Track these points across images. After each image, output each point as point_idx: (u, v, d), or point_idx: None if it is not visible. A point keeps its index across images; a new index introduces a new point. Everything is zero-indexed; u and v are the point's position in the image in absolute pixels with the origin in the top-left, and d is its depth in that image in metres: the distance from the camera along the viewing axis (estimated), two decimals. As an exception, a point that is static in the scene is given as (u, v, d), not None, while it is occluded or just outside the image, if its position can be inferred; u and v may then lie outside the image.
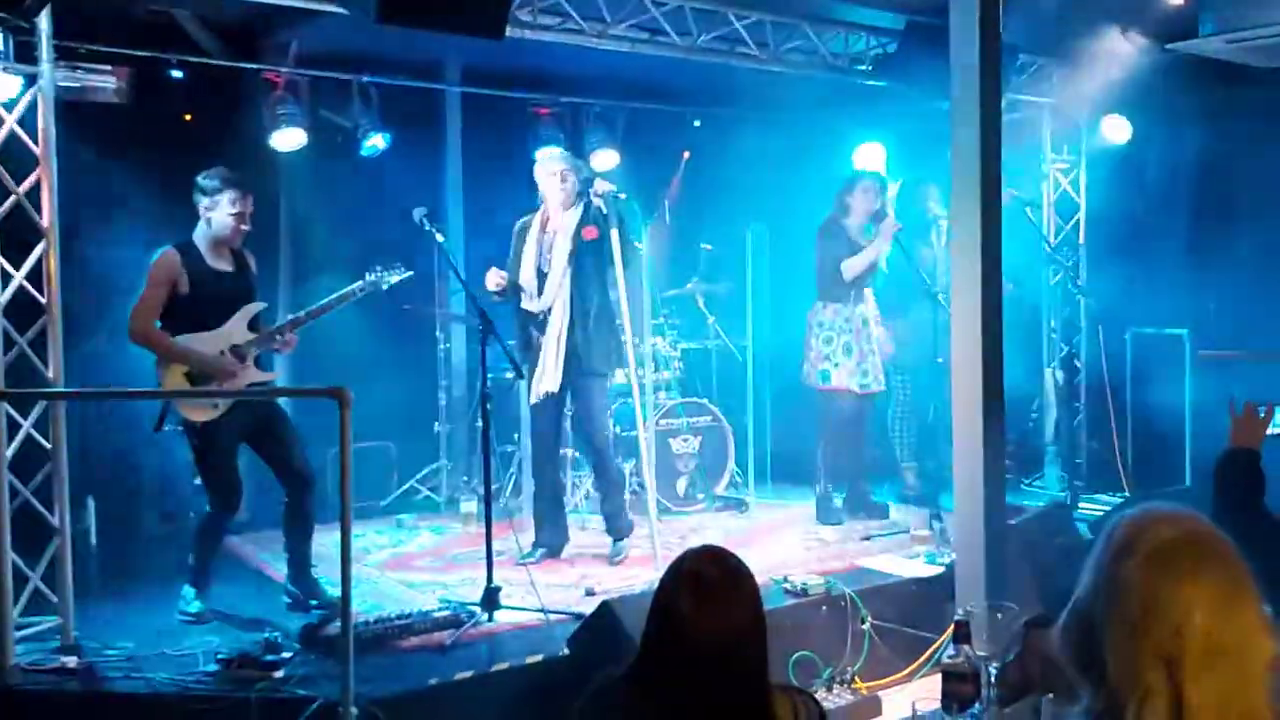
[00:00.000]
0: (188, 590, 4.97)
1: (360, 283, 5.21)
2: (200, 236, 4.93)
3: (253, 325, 5.02)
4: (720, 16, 6.17)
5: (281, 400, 5.33)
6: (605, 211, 5.60)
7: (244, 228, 4.98)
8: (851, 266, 6.50)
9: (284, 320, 5.17)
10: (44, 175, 4.53)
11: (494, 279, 5.71)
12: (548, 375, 5.68)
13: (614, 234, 5.54)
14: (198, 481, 6.27)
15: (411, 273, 5.43)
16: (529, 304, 5.76)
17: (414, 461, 7.42)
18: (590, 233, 5.68)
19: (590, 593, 5.23)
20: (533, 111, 7.86)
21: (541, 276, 5.74)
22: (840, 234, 6.61)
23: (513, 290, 5.81)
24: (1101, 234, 7.75)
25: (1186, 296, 7.26)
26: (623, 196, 5.66)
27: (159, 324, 4.83)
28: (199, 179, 4.92)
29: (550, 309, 5.71)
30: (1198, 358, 7.12)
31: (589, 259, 5.69)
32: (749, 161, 7.54)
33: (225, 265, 4.99)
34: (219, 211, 4.90)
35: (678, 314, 7.57)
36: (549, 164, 5.87)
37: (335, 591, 4.98)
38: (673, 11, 5.99)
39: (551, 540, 5.89)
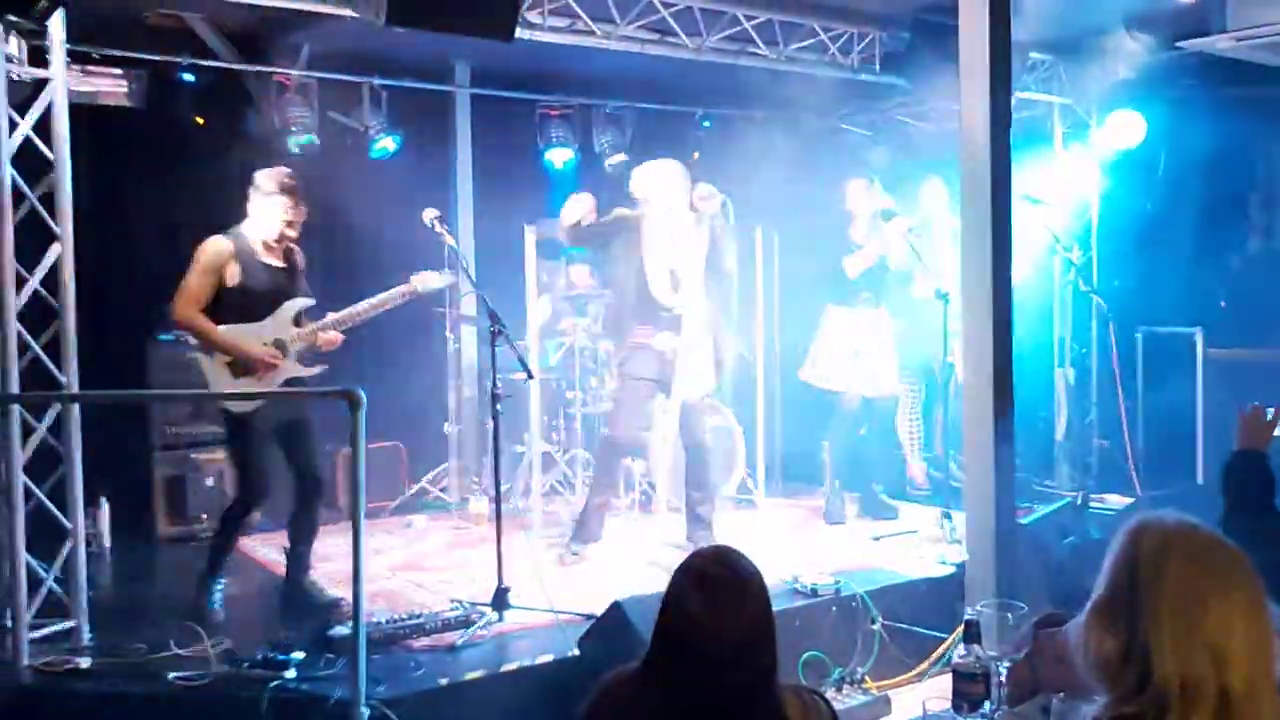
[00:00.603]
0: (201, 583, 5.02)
1: (404, 285, 5.18)
2: (249, 230, 4.94)
3: (297, 321, 5.03)
4: (729, 16, 6.18)
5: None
6: (703, 217, 5.75)
7: (290, 234, 4.99)
8: (852, 263, 6.50)
9: (326, 318, 5.12)
10: (58, 179, 4.55)
11: (587, 206, 5.71)
12: (698, 378, 5.78)
13: (706, 238, 5.73)
14: (209, 483, 6.34)
15: (454, 278, 5.39)
16: (666, 297, 5.77)
17: (424, 462, 7.44)
18: (706, 240, 5.77)
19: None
20: (542, 112, 7.88)
21: (674, 278, 5.78)
22: (844, 240, 6.60)
23: (591, 235, 5.85)
24: (1112, 232, 7.73)
25: (1198, 295, 7.24)
26: (719, 200, 5.75)
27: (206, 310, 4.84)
28: (258, 175, 4.95)
29: (683, 313, 5.78)
30: (1209, 356, 7.09)
31: (706, 267, 5.81)
32: (758, 161, 7.53)
33: (275, 260, 4.99)
34: (268, 214, 4.92)
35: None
36: (671, 173, 5.82)
37: (332, 594, 5.05)
38: (681, 12, 6.00)
39: (594, 536, 5.93)
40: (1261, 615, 1.68)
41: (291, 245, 5.05)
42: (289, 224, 4.95)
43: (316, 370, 5.04)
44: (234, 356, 4.85)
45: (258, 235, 4.92)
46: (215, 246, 4.82)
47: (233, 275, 4.82)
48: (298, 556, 5.14)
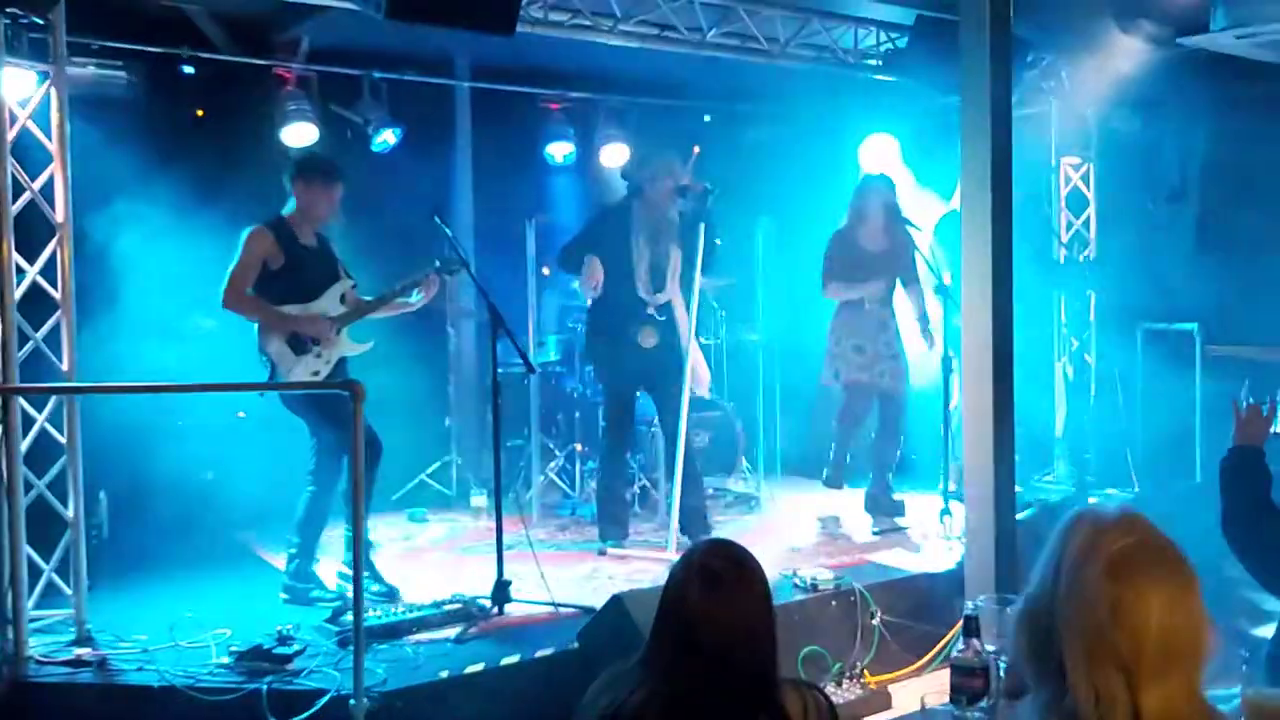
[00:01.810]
0: (315, 577, 5.13)
1: (428, 270, 5.33)
2: (291, 214, 5.13)
3: (343, 300, 5.22)
4: (730, 12, 6.17)
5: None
6: (693, 210, 5.76)
7: (323, 215, 5.19)
8: (835, 291, 6.48)
9: (371, 297, 5.29)
10: (58, 171, 4.56)
11: (595, 276, 5.72)
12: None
13: (700, 230, 5.72)
14: (210, 476, 6.34)
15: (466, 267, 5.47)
16: (648, 295, 5.80)
17: (424, 455, 7.44)
18: (696, 234, 5.77)
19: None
20: (543, 107, 7.88)
21: (658, 273, 5.80)
22: (849, 243, 6.55)
23: (584, 248, 5.87)
24: (1112, 228, 7.74)
25: (1197, 291, 7.25)
26: (702, 189, 5.76)
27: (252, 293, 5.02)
28: (296, 159, 5.19)
29: (669, 306, 5.80)
30: (1208, 353, 7.11)
31: (691, 258, 5.80)
32: (759, 156, 7.54)
33: (312, 242, 5.20)
34: (303, 197, 5.11)
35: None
36: (664, 163, 5.86)
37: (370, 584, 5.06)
38: (683, 7, 5.99)
39: (624, 532, 6.03)
40: (1192, 615, 1.58)
41: (322, 231, 5.25)
42: (324, 206, 5.15)
43: (367, 347, 5.25)
44: (296, 331, 5.02)
45: (297, 219, 5.12)
46: (257, 236, 5.01)
47: (276, 260, 5.02)
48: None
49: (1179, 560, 1.64)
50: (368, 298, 5.29)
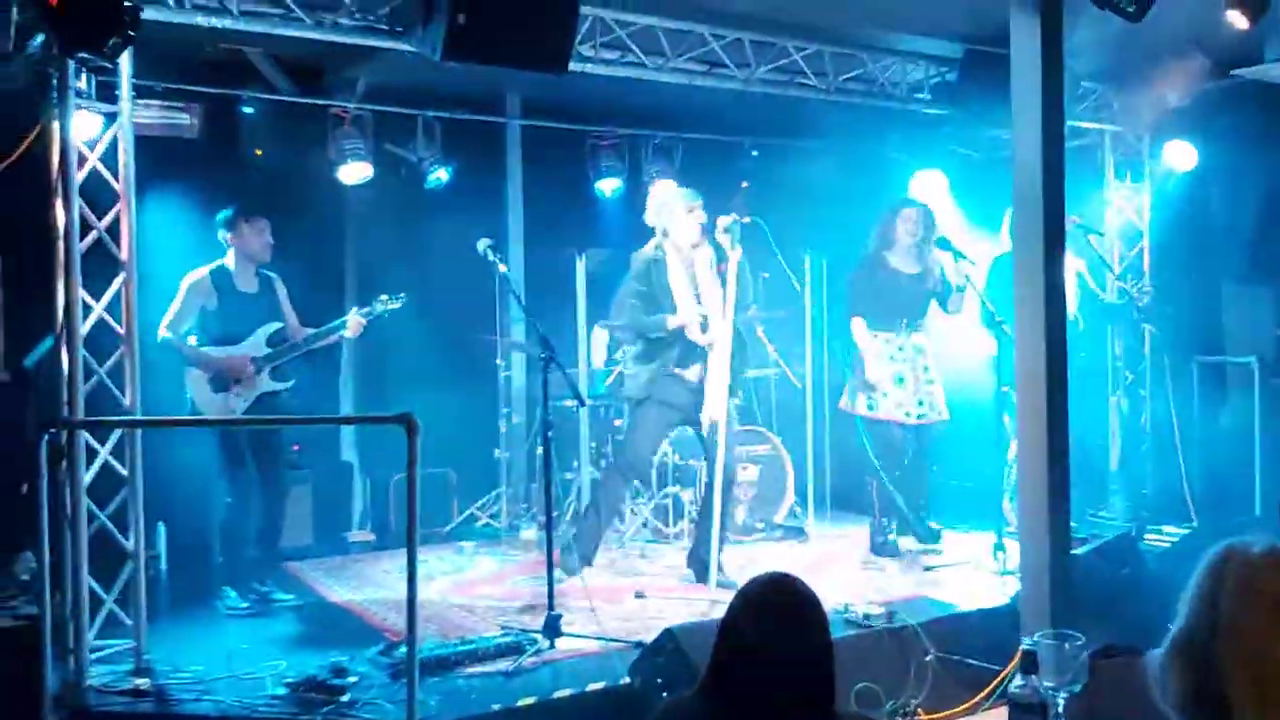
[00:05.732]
0: (227, 591, 5.55)
1: (362, 310, 5.78)
2: (231, 261, 5.63)
3: (270, 342, 5.66)
4: (779, 48, 6.21)
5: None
6: (729, 245, 5.69)
7: (270, 242, 5.67)
8: (859, 329, 6.45)
9: (293, 341, 5.74)
10: (124, 210, 4.68)
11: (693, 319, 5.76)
12: (717, 404, 5.79)
13: (734, 261, 5.67)
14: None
15: (403, 299, 5.85)
16: (698, 336, 5.78)
17: (474, 488, 7.49)
18: (724, 268, 5.74)
19: (640, 595, 5.66)
20: (592, 142, 7.96)
21: (703, 317, 5.79)
22: (876, 267, 6.51)
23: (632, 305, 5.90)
24: (1166, 261, 7.66)
25: (1253, 323, 7.15)
26: (747, 221, 5.73)
27: (191, 332, 5.53)
28: (217, 218, 5.62)
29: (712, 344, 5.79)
30: (1266, 385, 6.99)
31: (727, 293, 5.77)
32: (807, 191, 7.54)
33: (251, 287, 5.68)
34: (243, 237, 5.61)
35: (737, 342, 7.57)
36: (686, 202, 5.84)
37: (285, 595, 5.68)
38: (731, 44, 6.04)
39: (589, 559, 5.87)
40: None
41: (269, 274, 5.70)
42: (257, 244, 5.63)
43: (288, 385, 5.70)
44: (210, 372, 5.49)
45: (237, 263, 5.63)
46: (194, 278, 5.56)
47: (211, 302, 5.54)
48: (268, 555, 5.77)
49: None
50: (298, 338, 5.74)
